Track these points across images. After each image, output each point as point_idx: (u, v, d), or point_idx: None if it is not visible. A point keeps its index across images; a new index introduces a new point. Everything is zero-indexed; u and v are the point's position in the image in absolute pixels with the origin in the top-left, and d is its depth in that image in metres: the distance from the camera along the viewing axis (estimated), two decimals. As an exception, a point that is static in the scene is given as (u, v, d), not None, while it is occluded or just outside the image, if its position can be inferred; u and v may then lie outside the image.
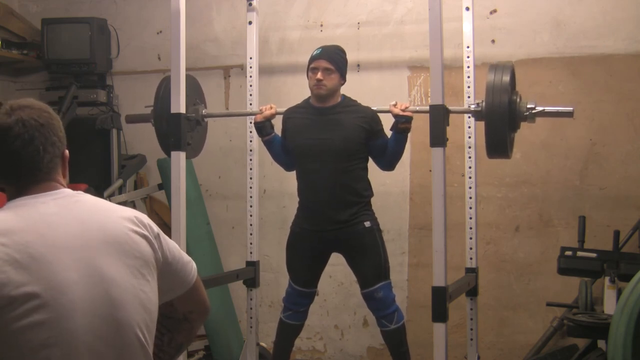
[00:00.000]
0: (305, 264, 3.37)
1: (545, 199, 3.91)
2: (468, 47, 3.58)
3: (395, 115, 3.19)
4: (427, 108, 2.88)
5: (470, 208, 3.56)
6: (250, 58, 3.82)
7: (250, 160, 3.80)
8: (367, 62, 4.23)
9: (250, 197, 3.79)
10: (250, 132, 3.82)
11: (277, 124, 3.49)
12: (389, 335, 3.27)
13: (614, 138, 3.82)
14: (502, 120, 2.98)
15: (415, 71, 4.14)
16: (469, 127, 3.57)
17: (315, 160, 3.26)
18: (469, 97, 3.56)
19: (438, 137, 2.78)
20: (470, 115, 3.44)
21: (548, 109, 3.11)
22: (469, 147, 3.56)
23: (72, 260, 1.35)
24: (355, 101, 3.36)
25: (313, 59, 3.28)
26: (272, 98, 4.30)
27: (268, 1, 4.28)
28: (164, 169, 4.09)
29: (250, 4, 3.81)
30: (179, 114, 3.13)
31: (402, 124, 3.18)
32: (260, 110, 3.42)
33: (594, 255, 3.39)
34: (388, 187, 4.13)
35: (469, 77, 3.57)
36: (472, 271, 3.54)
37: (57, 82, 4.70)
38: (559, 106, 3.23)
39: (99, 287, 1.36)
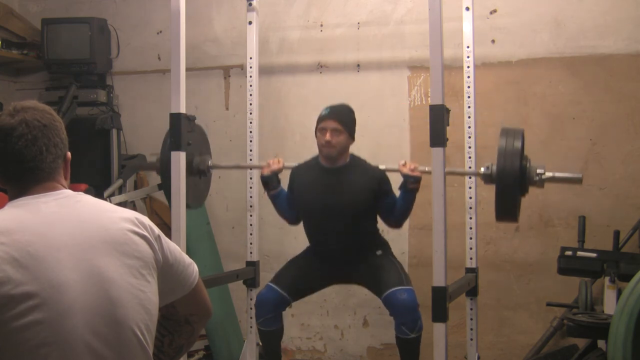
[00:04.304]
0: (306, 273, 3.32)
1: (545, 199, 3.91)
2: (468, 47, 3.59)
3: (404, 175, 3.16)
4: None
5: (470, 208, 3.56)
6: (250, 58, 3.83)
7: (250, 160, 3.80)
8: (367, 62, 4.23)
9: (250, 197, 3.79)
10: (250, 132, 3.82)
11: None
12: (408, 343, 3.08)
13: (614, 138, 3.82)
14: (513, 187, 3.03)
15: (415, 71, 4.14)
16: (469, 128, 3.57)
17: (323, 222, 3.25)
18: (468, 97, 3.57)
19: (438, 137, 2.78)
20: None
21: (557, 175, 3.14)
22: (469, 147, 3.57)
23: (71, 260, 1.36)
24: (363, 160, 3.32)
25: (321, 119, 3.22)
26: (272, 98, 4.32)
27: (268, 1, 4.28)
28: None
29: (250, 4, 3.82)
30: (179, 114, 3.13)
31: (411, 184, 3.15)
32: (268, 163, 3.38)
33: (594, 255, 3.40)
34: (388, 187, 4.13)
35: (469, 77, 3.58)
36: (472, 271, 3.54)
37: (57, 82, 4.70)
38: (568, 172, 3.25)
39: (98, 286, 1.36)
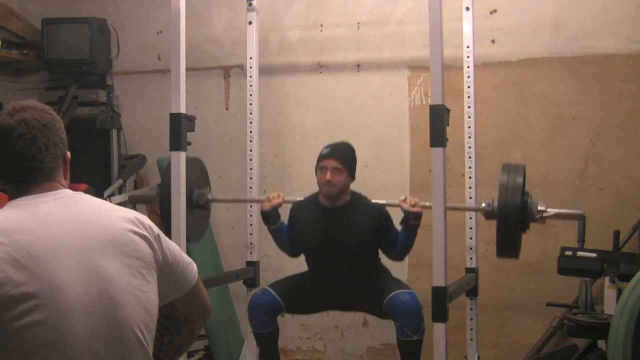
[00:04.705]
0: (305, 290, 3.28)
1: (545, 199, 3.89)
2: (468, 47, 3.59)
3: (405, 211, 3.13)
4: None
5: (470, 208, 3.56)
6: (250, 58, 3.83)
7: (250, 160, 3.80)
8: (367, 62, 4.23)
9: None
10: (250, 132, 3.82)
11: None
12: (410, 345, 3.03)
13: (614, 138, 3.82)
14: (514, 223, 3.04)
15: (415, 71, 4.14)
16: (469, 127, 3.57)
17: (324, 260, 3.24)
18: (468, 97, 3.57)
19: (438, 137, 2.78)
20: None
21: (559, 211, 3.15)
22: (469, 147, 3.57)
23: (71, 260, 1.36)
24: (364, 197, 3.29)
25: (322, 157, 3.20)
26: (272, 98, 4.32)
27: (268, 1, 4.28)
28: (164, 169, 4.08)
29: (250, 4, 3.82)
30: (179, 114, 3.13)
31: (412, 220, 3.12)
32: (268, 197, 3.35)
33: (594, 255, 3.39)
34: (388, 187, 4.13)
35: (469, 77, 3.58)
36: (472, 271, 3.55)
37: (57, 82, 4.70)
38: (569, 209, 3.26)
39: (98, 286, 1.36)
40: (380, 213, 3.23)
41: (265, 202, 3.34)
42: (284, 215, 3.41)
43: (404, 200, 3.13)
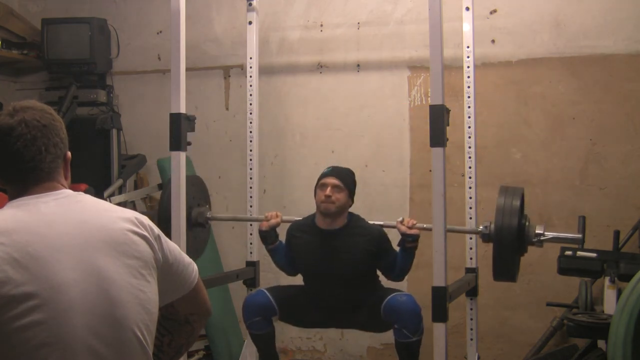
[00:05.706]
0: (302, 303, 3.27)
1: (545, 199, 3.91)
2: (468, 47, 3.59)
3: (402, 234, 3.11)
4: (430, 226, 2.84)
5: (470, 208, 3.56)
6: (250, 58, 3.84)
7: (250, 160, 3.80)
8: (367, 62, 4.23)
9: (250, 197, 3.79)
10: (250, 132, 3.82)
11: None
12: (409, 347, 3.03)
13: (614, 138, 3.81)
14: (511, 246, 3.01)
15: (415, 71, 4.14)
16: (469, 127, 3.57)
17: (322, 284, 3.22)
18: (468, 97, 3.57)
19: (438, 137, 2.78)
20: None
21: (557, 235, 3.13)
22: (469, 147, 3.57)
23: (71, 260, 1.36)
24: (362, 220, 3.27)
25: (323, 176, 3.21)
26: (271, 98, 4.32)
27: (268, 1, 4.28)
28: (164, 169, 4.09)
29: (250, 4, 3.82)
30: (179, 114, 3.13)
31: (410, 243, 3.10)
32: (266, 217, 3.34)
33: (594, 255, 3.39)
34: (388, 187, 4.13)
35: (469, 77, 3.58)
36: (472, 271, 3.54)
37: (57, 82, 4.70)
38: (568, 233, 3.25)
39: (98, 286, 1.36)
40: (379, 235, 3.21)
41: (263, 222, 3.33)
42: (282, 235, 3.40)
43: (401, 222, 3.12)
